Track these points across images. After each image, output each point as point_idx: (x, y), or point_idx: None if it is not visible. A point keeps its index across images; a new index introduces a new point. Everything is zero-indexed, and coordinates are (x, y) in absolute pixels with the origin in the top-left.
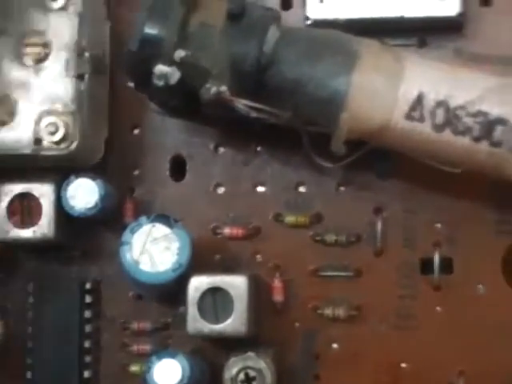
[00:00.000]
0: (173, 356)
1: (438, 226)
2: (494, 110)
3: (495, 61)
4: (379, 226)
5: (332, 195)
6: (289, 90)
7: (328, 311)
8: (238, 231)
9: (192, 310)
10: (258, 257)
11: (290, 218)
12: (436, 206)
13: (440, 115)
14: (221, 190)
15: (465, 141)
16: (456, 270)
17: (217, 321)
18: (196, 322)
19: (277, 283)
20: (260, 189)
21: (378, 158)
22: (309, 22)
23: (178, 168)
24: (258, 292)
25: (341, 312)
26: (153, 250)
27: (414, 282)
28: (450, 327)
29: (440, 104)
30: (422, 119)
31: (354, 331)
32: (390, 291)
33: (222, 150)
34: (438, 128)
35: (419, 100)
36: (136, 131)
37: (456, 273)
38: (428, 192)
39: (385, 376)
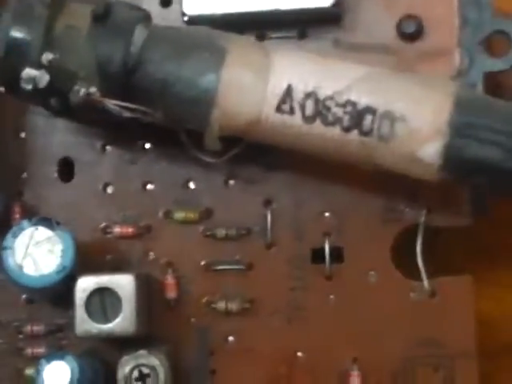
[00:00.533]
0: (61, 358)
1: (327, 215)
2: (363, 99)
3: (372, 50)
4: (269, 218)
5: (220, 190)
6: (158, 90)
7: (221, 305)
8: (128, 230)
9: (80, 312)
10: (150, 254)
11: (179, 215)
12: (324, 196)
13: (310, 107)
14: (110, 190)
15: (335, 131)
16: (347, 259)
17: (105, 321)
18: (84, 323)
19: (169, 280)
20: (149, 186)
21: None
22: (186, 19)
23: (67, 170)
24: (150, 290)
25: (234, 306)
26: (36, 253)
27: (306, 272)
28: (342, 315)
29: (309, 95)
30: (292, 112)
31: (247, 324)
32: (282, 283)
33: (109, 149)
34: (308, 120)
35: (288, 92)
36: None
37: (347, 262)
38: (316, 182)
39: (281, 367)
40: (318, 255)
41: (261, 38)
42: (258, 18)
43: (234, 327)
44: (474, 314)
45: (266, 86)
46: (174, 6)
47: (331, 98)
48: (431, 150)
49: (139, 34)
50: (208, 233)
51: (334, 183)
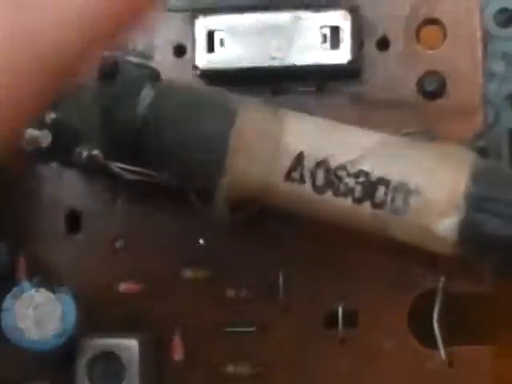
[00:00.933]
0: None
1: (342, 278)
2: (376, 170)
3: (392, 106)
4: (284, 280)
5: (233, 250)
6: (165, 152)
7: (230, 368)
8: (136, 287)
9: (81, 376)
10: (157, 315)
11: (189, 273)
12: (340, 258)
13: (320, 176)
14: (119, 244)
15: (347, 202)
16: (361, 324)
17: None
18: None
19: (176, 341)
20: (159, 242)
21: None
22: (198, 73)
23: (75, 222)
24: (156, 351)
25: (245, 369)
26: (36, 316)
27: (319, 336)
28: (357, 382)
29: (320, 164)
30: (302, 180)
31: None
32: (295, 347)
33: (119, 201)
34: (319, 189)
35: (299, 160)
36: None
37: (361, 326)
38: (331, 243)
39: None
40: (332, 319)
41: (276, 92)
42: (274, 73)
43: None
44: None
45: (276, 152)
46: (189, 56)
47: (343, 167)
48: (446, 225)
49: (145, 95)
50: (217, 293)
51: (350, 244)
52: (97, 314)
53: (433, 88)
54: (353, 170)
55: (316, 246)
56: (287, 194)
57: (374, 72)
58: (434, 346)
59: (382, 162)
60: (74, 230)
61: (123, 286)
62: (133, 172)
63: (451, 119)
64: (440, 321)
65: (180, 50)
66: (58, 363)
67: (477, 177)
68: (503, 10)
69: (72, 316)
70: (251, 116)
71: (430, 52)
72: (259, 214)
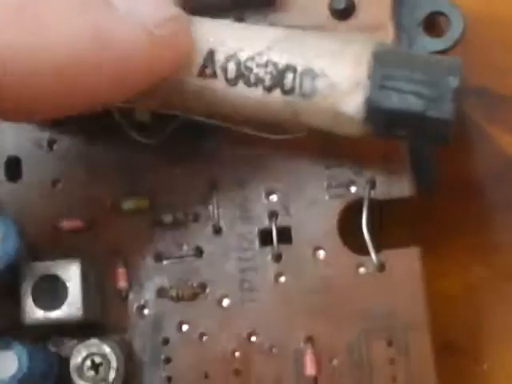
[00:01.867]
0: (7, 346)
1: (274, 196)
2: (283, 58)
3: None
4: (215, 202)
5: (165, 176)
6: None
7: (173, 292)
8: (77, 223)
9: (26, 300)
10: (100, 245)
11: (127, 205)
12: (269, 177)
13: (232, 69)
14: (58, 186)
15: (258, 91)
16: (295, 239)
17: (53, 308)
18: (31, 311)
19: (119, 269)
20: (95, 178)
21: None
22: None
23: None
24: (100, 279)
25: (186, 292)
26: None
27: (255, 254)
28: (293, 295)
29: (230, 58)
30: (214, 75)
31: (201, 310)
32: (231, 266)
33: (56, 146)
34: (231, 82)
35: (210, 56)
36: None
37: (295, 241)
38: (259, 162)
39: (236, 350)
40: (266, 237)
41: None
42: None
43: (186, 314)
44: (425, 286)
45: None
46: None
47: (252, 59)
48: (353, 103)
49: None
50: (155, 220)
51: (277, 162)
52: (40, 252)
53: (342, 7)
54: (261, 60)
55: (246, 164)
56: (200, 92)
57: (288, 0)
58: (366, 253)
59: (288, 50)
60: (14, 178)
61: (65, 223)
62: None
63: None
64: (369, 228)
65: None
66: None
67: (378, 57)
68: None
69: (13, 239)
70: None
71: None
72: (190, 141)
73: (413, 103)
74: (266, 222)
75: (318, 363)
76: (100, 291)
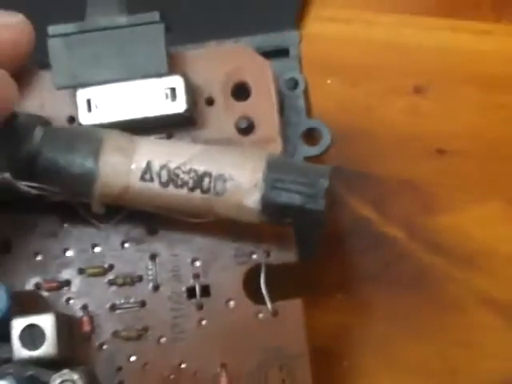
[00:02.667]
0: (1, 377)
1: (197, 262)
2: (201, 167)
3: (220, 142)
4: (154, 268)
5: (118, 250)
6: (54, 172)
7: (124, 334)
8: (53, 284)
9: (16, 343)
10: (71, 302)
11: (90, 271)
12: (194, 247)
13: (164, 175)
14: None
15: (183, 191)
16: (212, 293)
17: (35, 348)
18: (19, 352)
19: (84, 318)
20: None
21: None
22: None
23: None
24: (71, 326)
25: (133, 333)
26: None
27: (183, 305)
28: (213, 334)
29: (163, 167)
30: (151, 179)
31: (144, 346)
32: (167, 314)
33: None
34: (164, 184)
35: (148, 166)
36: None
37: (213, 295)
38: (187, 237)
39: (170, 374)
40: (192, 292)
41: None
42: (136, 125)
43: (134, 349)
44: (306, 325)
45: (130, 163)
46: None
47: (179, 167)
48: (252, 200)
49: (37, 132)
50: (111, 281)
51: (198, 238)
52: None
53: (245, 126)
54: (185, 168)
55: (178, 239)
56: (142, 191)
57: (205, 121)
58: (263, 303)
59: (205, 161)
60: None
61: (45, 285)
62: (35, 188)
63: (260, 148)
64: (266, 285)
65: (71, 119)
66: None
67: (270, 165)
68: (292, 79)
69: (4, 300)
70: (113, 140)
71: (241, 103)
72: (134, 220)
73: (296, 199)
74: (191, 281)
75: (230, 383)
76: (70, 334)
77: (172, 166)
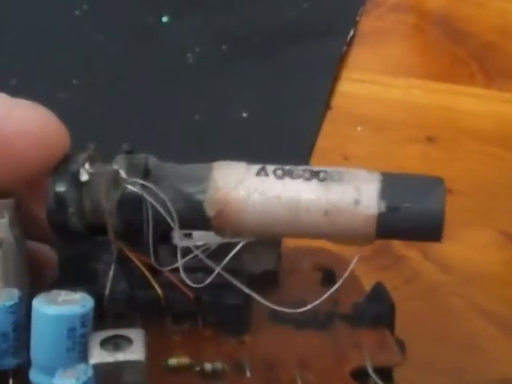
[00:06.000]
0: None
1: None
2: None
3: None
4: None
5: None
6: None
7: None
8: None
9: None
10: None
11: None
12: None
13: (279, 173)
14: None
15: (300, 181)
16: None
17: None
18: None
19: None
20: None
21: None
22: None
23: None
24: None
25: None
26: None
27: None
28: None
29: (278, 168)
30: (267, 175)
31: None
32: None
33: None
34: (280, 177)
35: (263, 168)
36: None
37: None
38: None
39: None
40: None
41: None
42: None
43: None
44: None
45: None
46: None
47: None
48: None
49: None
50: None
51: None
52: None
53: None
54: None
55: None
56: (256, 186)
57: None
58: None
59: None
60: None
61: None
62: None
63: None
64: None
65: None
66: None
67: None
68: None
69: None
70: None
71: None
72: None
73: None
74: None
75: None
76: None
77: (286, 167)
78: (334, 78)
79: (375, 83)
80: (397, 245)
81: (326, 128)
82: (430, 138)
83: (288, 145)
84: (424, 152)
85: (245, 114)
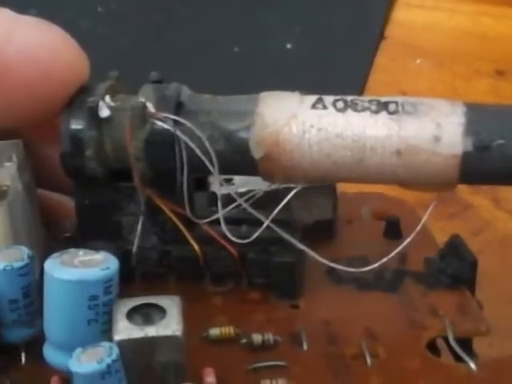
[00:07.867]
0: None
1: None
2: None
3: None
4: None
5: None
6: None
7: None
8: None
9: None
10: None
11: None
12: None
13: (340, 104)
14: None
15: (366, 114)
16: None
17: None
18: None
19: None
20: None
21: None
22: None
23: None
24: None
25: None
26: None
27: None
28: None
29: (338, 99)
30: (325, 107)
31: None
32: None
33: None
34: (341, 110)
35: (320, 99)
36: None
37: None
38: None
39: None
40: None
41: None
42: None
43: None
44: None
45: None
46: None
47: (356, 99)
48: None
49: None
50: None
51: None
52: None
53: None
54: (364, 99)
55: None
56: (312, 121)
57: None
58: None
59: None
60: None
61: None
62: None
63: None
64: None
65: None
66: None
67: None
68: None
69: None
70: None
71: None
72: None
73: None
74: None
75: None
76: None
77: (348, 98)
78: (390, 4)
79: (437, 9)
80: (464, 190)
81: (380, 60)
82: (499, 71)
83: (337, 79)
84: (493, 87)
85: (289, 45)
